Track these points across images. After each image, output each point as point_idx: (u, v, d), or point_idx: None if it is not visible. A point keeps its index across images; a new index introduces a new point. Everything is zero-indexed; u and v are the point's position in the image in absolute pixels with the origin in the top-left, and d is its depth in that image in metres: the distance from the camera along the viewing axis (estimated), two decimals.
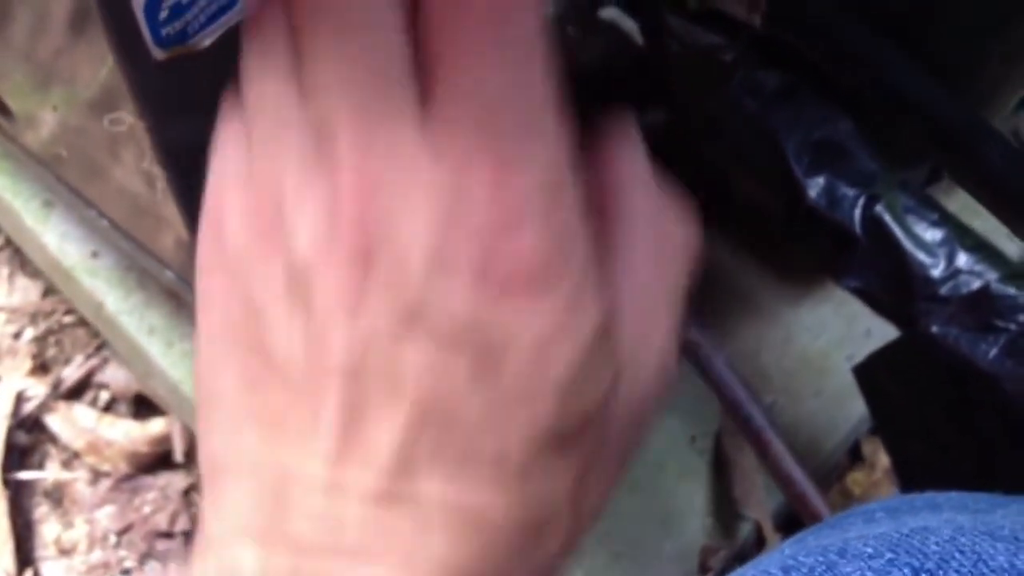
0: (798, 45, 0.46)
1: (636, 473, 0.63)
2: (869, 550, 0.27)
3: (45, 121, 0.53)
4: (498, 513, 0.25)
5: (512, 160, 0.24)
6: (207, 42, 0.39)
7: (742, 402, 0.49)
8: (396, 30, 0.24)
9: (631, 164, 0.30)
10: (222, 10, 0.39)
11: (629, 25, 0.59)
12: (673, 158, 0.56)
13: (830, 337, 0.66)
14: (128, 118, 0.41)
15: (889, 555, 0.26)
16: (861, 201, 0.48)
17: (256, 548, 0.25)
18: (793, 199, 0.49)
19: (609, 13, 0.60)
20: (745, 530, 0.60)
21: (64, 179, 0.57)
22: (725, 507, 0.61)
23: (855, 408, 0.64)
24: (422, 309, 0.24)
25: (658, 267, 0.29)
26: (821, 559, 0.27)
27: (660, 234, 0.30)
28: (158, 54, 0.37)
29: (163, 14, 0.36)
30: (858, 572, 0.26)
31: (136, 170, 0.49)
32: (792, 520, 0.56)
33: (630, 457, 0.29)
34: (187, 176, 0.45)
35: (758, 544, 0.59)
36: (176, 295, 0.65)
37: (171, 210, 0.48)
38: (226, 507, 0.26)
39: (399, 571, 0.24)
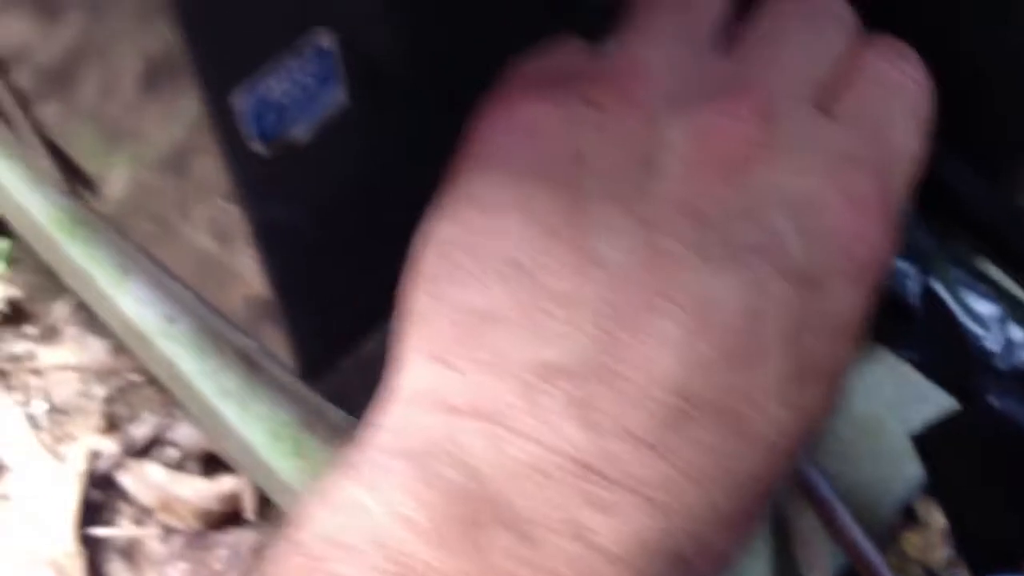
0: None
1: None
2: None
3: (119, 187, 0.56)
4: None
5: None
6: (304, 136, 0.41)
7: (805, 470, 0.50)
8: None
9: None
10: (317, 106, 0.41)
11: None
12: None
13: (884, 401, 0.67)
14: (226, 205, 0.43)
15: None
16: (917, 275, 0.50)
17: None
18: None
19: None
20: None
21: (141, 245, 0.59)
22: (787, 571, 0.62)
23: (910, 471, 0.66)
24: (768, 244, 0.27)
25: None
26: None
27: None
28: (259, 149, 0.40)
29: (262, 111, 0.39)
30: None
31: (216, 240, 0.51)
32: None
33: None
34: (279, 255, 0.47)
35: None
36: (249, 358, 0.67)
37: (248, 278, 0.50)
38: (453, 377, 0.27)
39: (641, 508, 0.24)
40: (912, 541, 0.67)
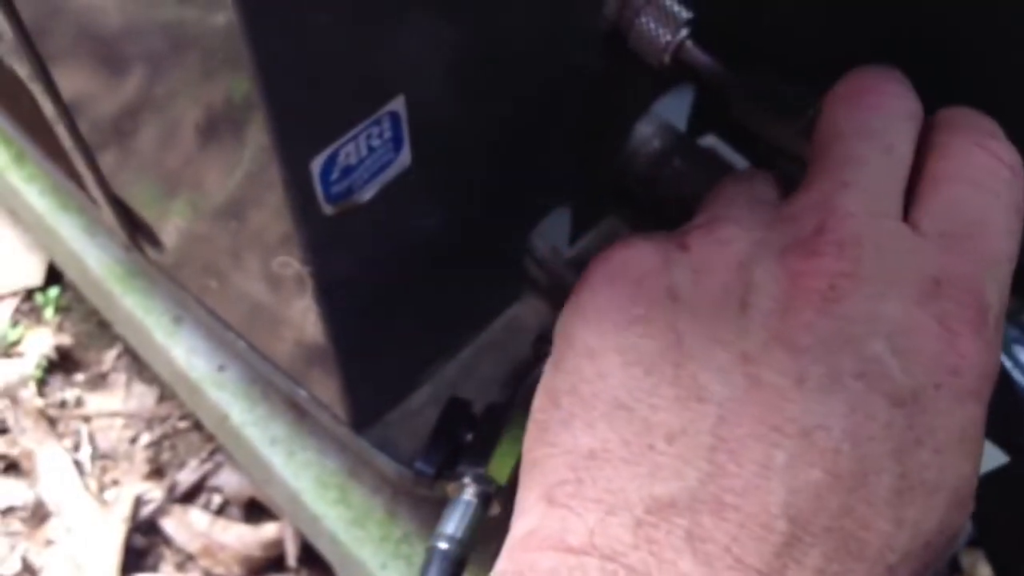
0: None
1: None
2: None
3: (180, 240, 0.57)
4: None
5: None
6: (368, 196, 0.43)
7: None
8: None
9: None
10: (383, 168, 0.42)
11: (729, 152, 0.62)
12: None
13: None
14: (295, 264, 0.44)
15: None
16: None
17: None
18: None
19: (708, 141, 0.63)
20: None
21: (202, 303, 0.61)
22: None
23: None
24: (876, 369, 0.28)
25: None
26: None
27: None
28: (327, 210, 0.41)
29: (335, 175, 0.40)
30: None
31: (276, 304, 0.52)
32: None
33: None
34: (338, 308, 0.48)
35: None
36: (297, 406, 0.68)
37: (305, 330, 0.52)
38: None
39: None
40: None
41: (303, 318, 0.50)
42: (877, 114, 0.31)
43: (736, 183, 0.34)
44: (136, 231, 0.60)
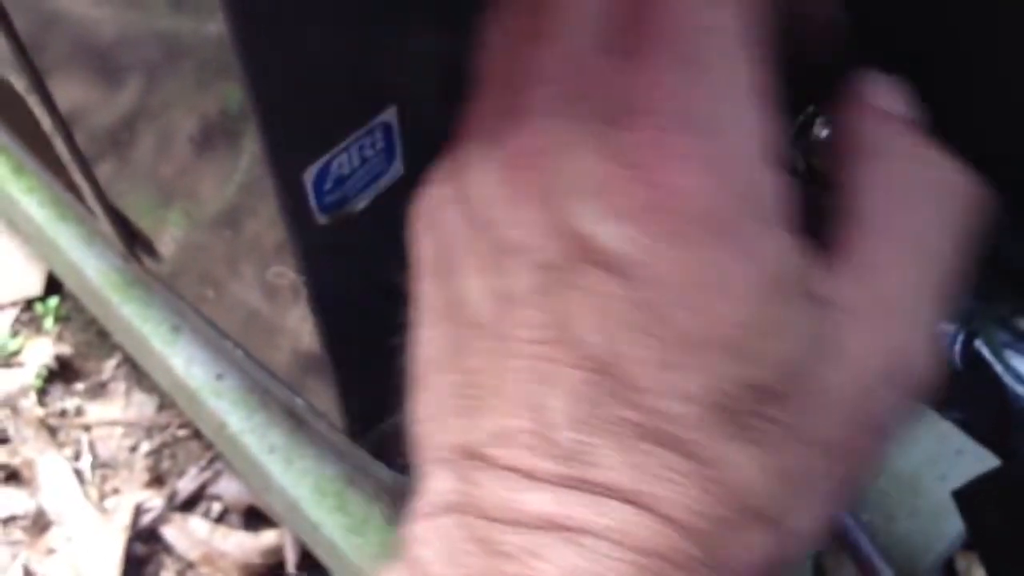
0: None
1: None
2: None
3: (176, 250, 0.57)
4: (678, 496, 0.23)
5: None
6: (362, 206, 0.43)
7: (849, 528, 0.51)
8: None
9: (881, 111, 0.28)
10: (376, 177, 0.43)
11: None
12: None
13: (922, 456, 0.68)
14: (289, 273, 0.45)
15: None
16: (960, 337, 0.51)
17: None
18: None
19: None
20: None
21: (200, 312, 0.61)
22: None
23: (950, 526, 0.66)
24: (588, 243, 0.23)
25: (912, 216, 0.26)
26: None
27: (917, 178, 0.26)
28: (321, 219, 0.41)
29: (328, 185, 0.40)
30: None
31: (270, 302, 0.53)
32: None
33: (858, 470, 0.25)
34: (332, 317, 0.48)
35: None
36: (295, 415, 0.68)
37: (300, 339, 0.52)
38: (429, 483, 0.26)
39: (582, 553, 0.23)
40: None
41: (299, 327, 0.50)
42: None
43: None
44: (133, 241, 0.60)
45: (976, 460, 0.54)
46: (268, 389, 0.63)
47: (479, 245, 0.26)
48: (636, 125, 0.24)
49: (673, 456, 0.23)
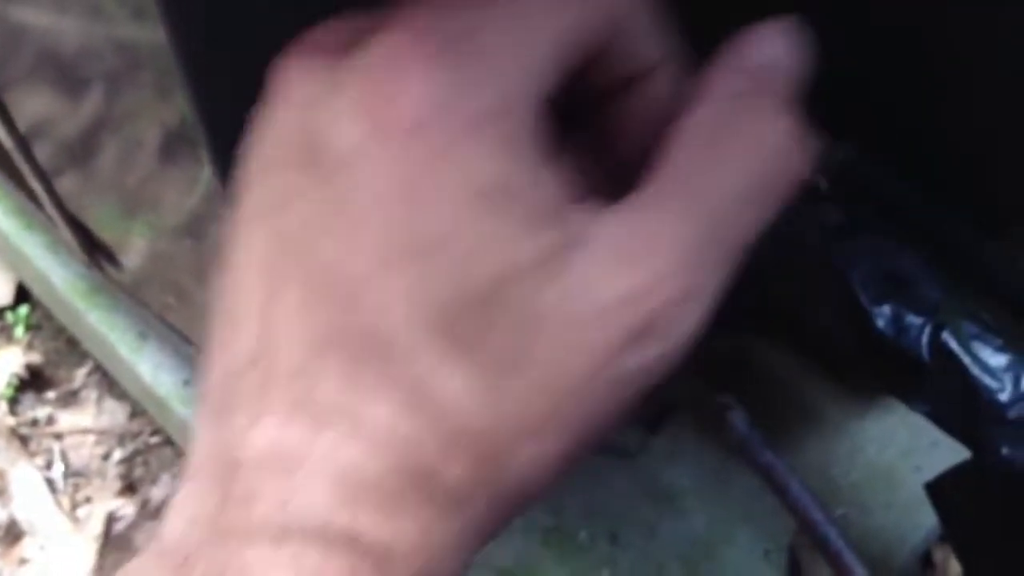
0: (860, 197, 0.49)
1: None
2: None
3: (137, 258, 0.57)
4: (386, 418, 0.22)
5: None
6: None
7: (818, 523, 0.51)
8: None
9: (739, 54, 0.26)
10: None
11: None
12: (738, 293, 0.59)
13: (897, 449, 0.68)
14: None
15: None
16: (928, 329, 0.51)
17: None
18: (861, 329, 0.51)
19: None
20: None
21: (162, 318, 0.60)
22: None
23: (925, 518, 0.66)
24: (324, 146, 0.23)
25: (710, 159, 0.24)
26: None
27: (731, 127, 0.24)
28: None
29: None
30: None
31: None
32: None
33: (591, 414, 0.24)
34: None
35: None
36: None
37: None
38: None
39: (292, 485, 0.22)
40: None
41: None
42: None
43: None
44: (95, 251, 0.59)
45: (951, 452, 0.54)
46: None
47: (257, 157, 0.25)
48: (399, 28, 0.23)
49: (385, 373, 0.22)
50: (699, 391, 0.56)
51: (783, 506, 0.53)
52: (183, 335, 0.60)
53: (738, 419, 0.53)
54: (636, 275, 0.23)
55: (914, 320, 0.50)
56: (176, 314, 0.59)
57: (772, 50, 0.26)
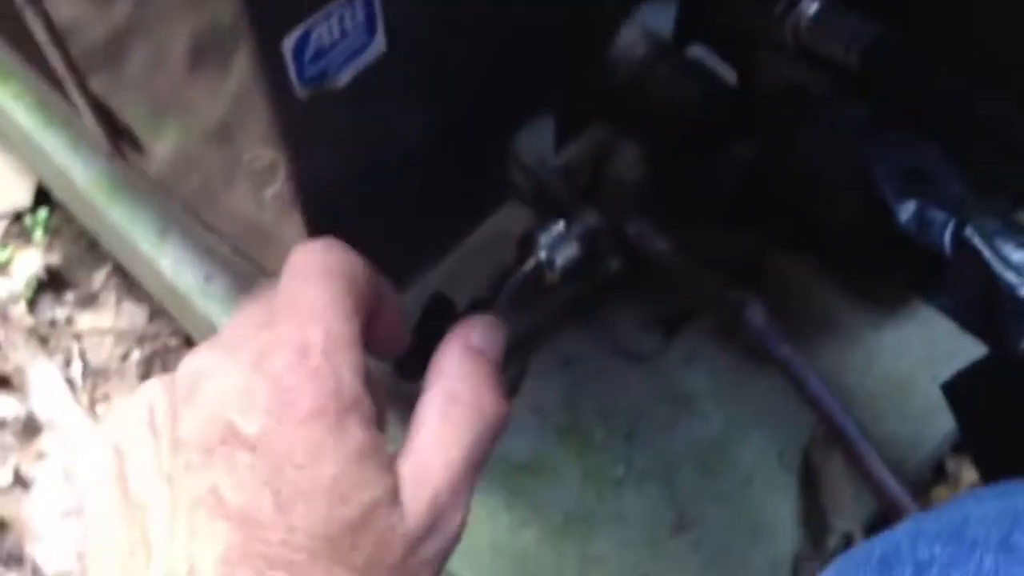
0: (888, 80, 0.49)
1: (725, 486, 0.65)
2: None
3: (165, 145, 0.57)
4: None
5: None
6: (344, 82, 0.42)
7: (835, 414, 0.51)
8: None
9: (465, 337, 0.41)
10: (357, 52, 0.42)
11: (717, 63, 0.62)
12: (760, 190, 0.58)
13: (914, 358, 0.68)
14: (267, 153, 0.44)
15: None
16: (951, 224, 0.51)
17: None
18: (884, 225, 0.51)
19: (697, 52, 0.63)
20: (833, 541, 0.62)
21: (186, 205, 0.60)
22: (814, 520, 0.63)
23: (940, 427, 0.66)
24: (235, 430, 0.34)
25: (448, 426, 0.38)
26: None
27: (460, 399, 0.38)
28: (302, 93, 0.41)
29: (308, 55, 0.40)
30: None
31: (257, 197, 0.52)
32: (885, 528, 0.58)
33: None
34: (315, 202, 0.48)
35: None
36: None
37: (289, 232, 0.51)
38: None
39: None
40: (941, 495, 0.68)
41: (280, 219, 0.50)
42: None
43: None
44: (118, 137, 0.59)
45: (968, 360, 0.54)
46: (256, 287, 0.62)
47: (156, 443, 0.35)
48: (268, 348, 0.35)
49: None
50: (716, 289, 0.56)
51: (800, 400, 0.53)
52: (204, 223, 0.60)
53: (755, 313, 0.54)
54: (431, 495, 0.36)
55: (937, 215, 0.50)
56: (198, 201, 0.59)
57: (485, 335, 0.41)
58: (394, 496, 0.35)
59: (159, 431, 0.35)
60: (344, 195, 0.51)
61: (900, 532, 0.32)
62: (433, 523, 0.36)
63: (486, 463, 0.39)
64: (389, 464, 0.35)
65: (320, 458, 0.33)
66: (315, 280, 0.38)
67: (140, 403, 0.36)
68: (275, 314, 0.37)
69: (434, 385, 0.39)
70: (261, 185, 0.48)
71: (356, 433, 0.34)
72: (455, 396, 0.38)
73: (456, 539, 0.37)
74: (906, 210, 0.51)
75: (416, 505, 0.35)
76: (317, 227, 0.50)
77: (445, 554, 0.37)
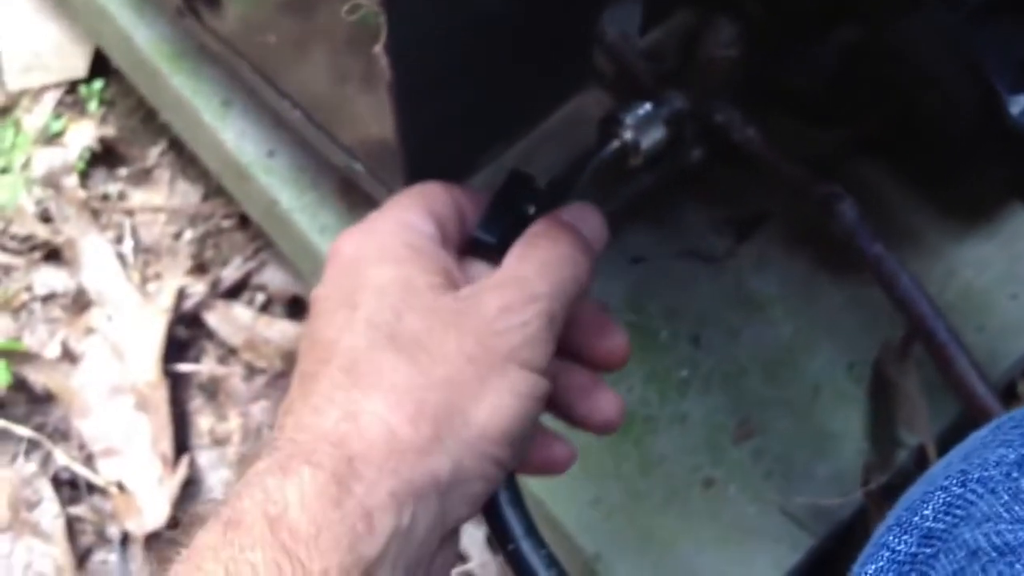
0: None
1: (791, 395, 0.63)
2: None
3: (246, 7, 0.55)
4: None
5: None
6: None
7: (927, 315, 0.49)
8: None
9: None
10: None
11: None
12: (860, 79, 0.56)
13: (993, 274, 0.66)
14: (366, 2, 0.42)
15: None
16: None
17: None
18: (993, 117, 0.49)
19: None
20: (902, 456, 0.60)
21: (259, 69, 0.58)
22: (882, 433, 0.61)
23: (1015, 346, 0.64)
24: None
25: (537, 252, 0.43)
26: None
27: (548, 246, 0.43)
28: None
29: None
30: None
31: (339, 60, 0.50)
32: (958, 442, 0.57)
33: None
34: (409, 71, 0.46)
35: (918, 469, 0.59)
36: (349, 195, 0.66)
37: (372, 100, 0.50)
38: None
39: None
40: None
41: (369, 79, 0.48)
42: None
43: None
44: None
45: None
46: (324, 158, 0.60)
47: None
48: None
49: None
50: (806, 181, 0.54)
51: (889, 298, 0.51)
52: (276, 88, 0.58)
53: (848, 208, 0.51)
54: (511, 301, 0.41)
55: None
56: (273, 62, 0.57)
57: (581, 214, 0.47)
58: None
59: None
60: (432, 62, 0.49)
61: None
62: (504, 312, 0.41)
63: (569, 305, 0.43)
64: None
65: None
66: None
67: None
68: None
69: (524, 238, 0.44)
70: (349, 44, 0.46)
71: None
72: (540, 242, 0.44)
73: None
74: (1018, 103, 0.48)
75: (496, 302, 0.41)
76: (401, 88, 0.48)
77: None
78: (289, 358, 0.76)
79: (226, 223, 0.82)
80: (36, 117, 0.87)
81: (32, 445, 0.76)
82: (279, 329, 0.77)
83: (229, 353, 0.78)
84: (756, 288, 0.66)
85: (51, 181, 0.83)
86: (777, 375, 0.64)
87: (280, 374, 0.77)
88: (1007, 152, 0.48)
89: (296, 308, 0.79)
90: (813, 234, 0.65)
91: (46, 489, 0.74)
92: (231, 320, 0.78)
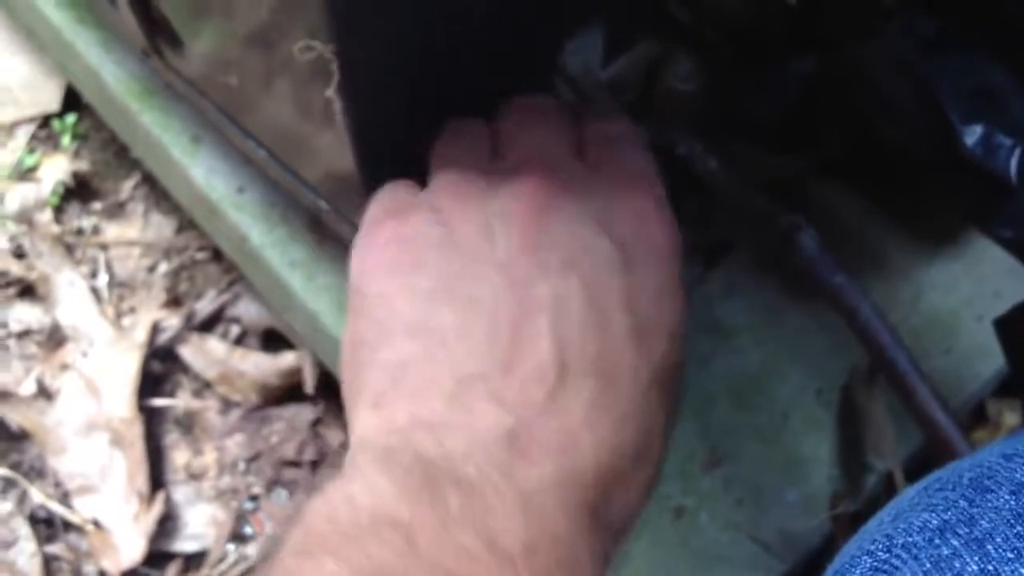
0: None
1: (760, 421, 0.64)
2: None
3: (205, 41, 0.55)
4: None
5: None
6: None
7: (887, 345, 0.49)
8: None
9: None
10: None
11: None
12: (819, 106, 0.56)
13: (960, 296, 0.66)
14: (318, 46, 0.42)
15: None
16: (1018, 151, 0.49)
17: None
18: (947, 147, 0.49)
19: None
20: (871, 481, 0.61)
21: (223, 109, 0.59)
22: (851, 458, 0.62)
23: (983, 368, 0.65)
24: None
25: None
26: None
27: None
28: None
29: None
30: None
31: (298, 100, 0.51)
32: (924, 469, 0.57)
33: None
34: (365, 102, 0.46)
35: (887, 494, 0.60)
36: (318, 229, 0.67)
37: (332, 139, 0.50)
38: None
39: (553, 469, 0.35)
40: (981, 439, 0.66)
41: (326, 118, 0.48)
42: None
43: (452, 144, 0.47)
44: (154, 31, 0.58)
45: (1014, 301, 0.52)
46: (292, 196, 0.61)
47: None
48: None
49: None
50: (767, 212, 0.54)
51: (849, 331, 0.51)
52: (241, 128, 0.58)
53: (808, 238, 0.52)
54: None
55: (1004, 140, 0.48)
56: (236, 103, 0.57)
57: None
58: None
59: (496, 235, 0.42)
60: (388, 98, 0.49)
61: (988, 456, 0.31)
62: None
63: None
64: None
65: (671, 295, 0.41)
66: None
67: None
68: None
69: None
70: (306, 83, 0.47)
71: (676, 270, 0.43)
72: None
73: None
74: (972, 134, 0.49)
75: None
76: (359, 126, 0.48)
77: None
78: (263, 391, 0.76)
79: (200, 255, 0.82)
80: (9, 152, 0.87)
81: (8, 483, 0.76)
82: (254, 362, 0.77)
83: (204, 387, 0.78)
84: (724, 316, 0.66)
85: (24, 217, 0.83)
86: (746, 402, 0.64)
87: (254, 407, 0.77)
88: (962, 181, 0.49)
89: (270, 340, 0.79)
90: (781, 260, 0.65)
91: (22, 528, 0.74)
92: (206, 353, 0.78)
